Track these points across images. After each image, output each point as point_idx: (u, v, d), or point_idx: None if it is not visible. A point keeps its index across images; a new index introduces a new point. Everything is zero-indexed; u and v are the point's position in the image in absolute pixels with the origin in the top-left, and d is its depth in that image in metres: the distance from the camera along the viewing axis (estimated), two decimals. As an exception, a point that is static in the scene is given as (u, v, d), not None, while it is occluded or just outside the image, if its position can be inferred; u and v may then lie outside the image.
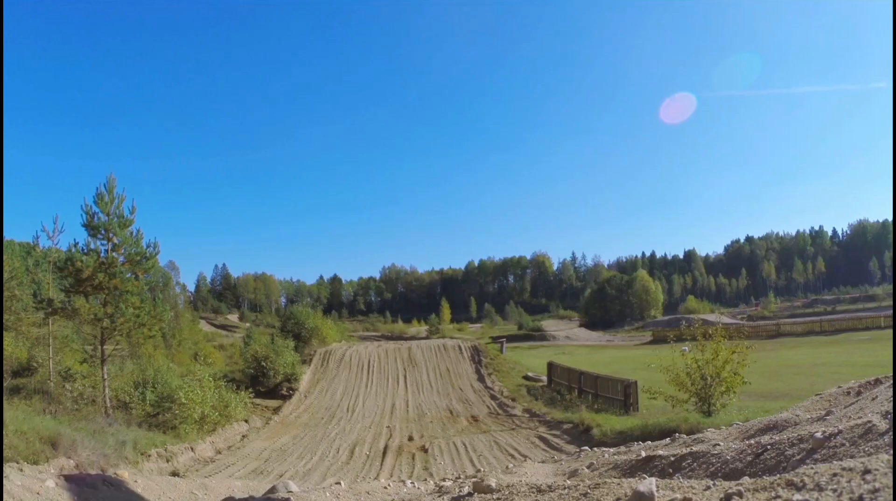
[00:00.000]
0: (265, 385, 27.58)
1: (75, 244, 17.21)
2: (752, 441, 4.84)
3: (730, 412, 14.13)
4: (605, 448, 11.73)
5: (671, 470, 5.16)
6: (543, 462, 11.86)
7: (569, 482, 4.43)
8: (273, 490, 7.49)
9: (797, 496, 2.07)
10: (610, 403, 19.53)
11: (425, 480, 10.17)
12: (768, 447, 4.38)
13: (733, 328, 19.89)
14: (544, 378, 27.51)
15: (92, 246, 17.12)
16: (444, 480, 9.29)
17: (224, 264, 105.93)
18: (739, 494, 2.27)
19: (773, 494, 2.18)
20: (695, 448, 5.61)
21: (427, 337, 60.52)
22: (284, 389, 27.91)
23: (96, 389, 17.41)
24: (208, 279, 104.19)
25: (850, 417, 5.04)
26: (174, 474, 12.93)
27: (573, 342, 59.62)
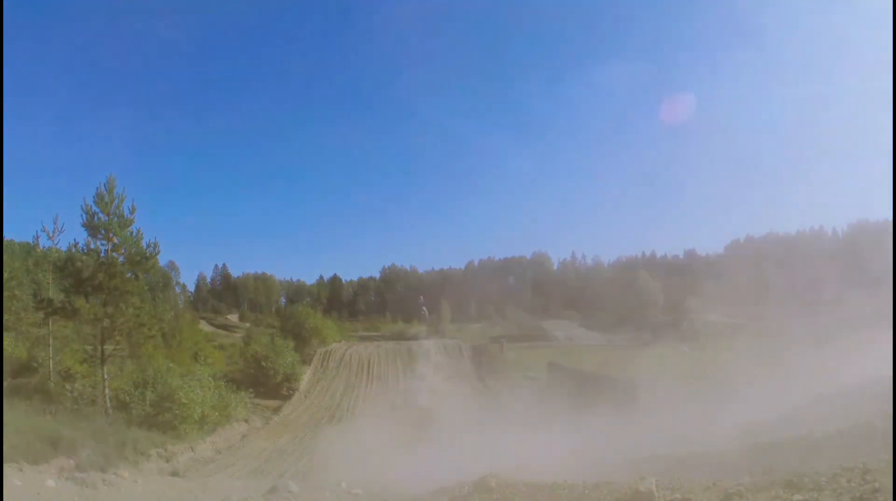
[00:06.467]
0: (265, 385, 27.55)
1: (75, 244, 17.22)
2: (753, 442, 4.84)
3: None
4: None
5: (672, 470, 5.16)
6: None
7: (569, 481, 4.43)
8: (273, 489, 7.49)
9: (797, 496, 2.07)
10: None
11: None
12: (768, 447, 4.38)
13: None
14: (544, 378, 27.49)
15: (92, 246, 17.12)
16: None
17: (224, 264, 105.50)
18: (739, 494, 2.26)
19: (772, 494, 2.18)
20: (695, 448, 5.61)
21: (427, 337, 60.44)
22: (284, 389, 27.89)
23: (96, 389, 17.39)
24: (208, 279, 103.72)
25: (851, 417, 5.04)
26: (174, 474, 12.94)
27: (573, 343, 59.46)
